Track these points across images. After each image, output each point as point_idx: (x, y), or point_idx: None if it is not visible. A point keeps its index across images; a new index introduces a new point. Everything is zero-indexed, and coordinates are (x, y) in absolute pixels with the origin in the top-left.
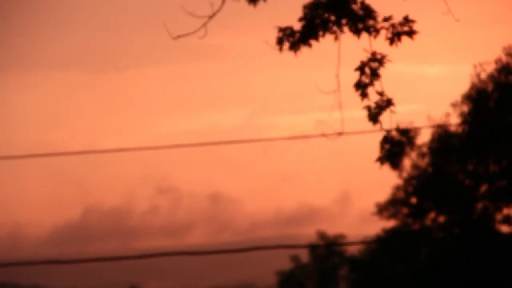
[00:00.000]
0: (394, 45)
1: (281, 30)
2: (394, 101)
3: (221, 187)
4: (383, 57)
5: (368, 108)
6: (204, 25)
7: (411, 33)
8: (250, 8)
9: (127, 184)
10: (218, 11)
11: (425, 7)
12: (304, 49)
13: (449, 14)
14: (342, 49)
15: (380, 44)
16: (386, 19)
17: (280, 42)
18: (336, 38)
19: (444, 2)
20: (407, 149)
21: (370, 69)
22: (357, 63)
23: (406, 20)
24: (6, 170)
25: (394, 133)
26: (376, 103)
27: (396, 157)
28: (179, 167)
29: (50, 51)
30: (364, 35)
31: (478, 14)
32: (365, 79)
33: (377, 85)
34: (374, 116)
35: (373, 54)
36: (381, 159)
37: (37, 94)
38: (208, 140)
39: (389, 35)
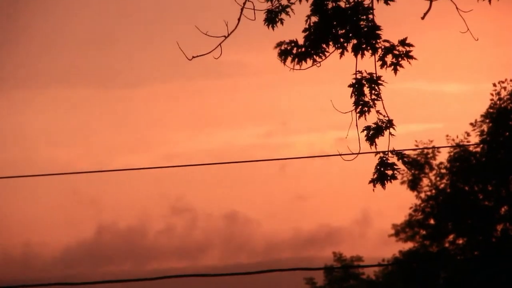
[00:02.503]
0: (384, 69)
1: (285, 43)
2: (394, 122)
3: (237, 207)
4: (377, 77)
5: (367, 128)
6: (219, 45)
7: (405, 58)
8: (265, 25)
9: (141, 204)
10: (233, 30)
11: (443, 26)
12: (308, 64)
13: (467, 32)
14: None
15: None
16: (385, 41)
17: (282, 55)
18: (341, 54)
19: (463, 20)
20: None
21: (369, 88)
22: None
23: (403, 44)
24: (17, 189)
25: (390, 156)
26: (375, 123)
27: (387, 179)
28: (194, 186)
29: (62, 68)
30: (368, 54)
31: (497, 32)
32: (365, 98)
33: (379, 106)
34: (371, 137)
35: (370, 74)
36: (374, 181)
37: (49, 111)
38: (224, 159)
39: (386, 57)
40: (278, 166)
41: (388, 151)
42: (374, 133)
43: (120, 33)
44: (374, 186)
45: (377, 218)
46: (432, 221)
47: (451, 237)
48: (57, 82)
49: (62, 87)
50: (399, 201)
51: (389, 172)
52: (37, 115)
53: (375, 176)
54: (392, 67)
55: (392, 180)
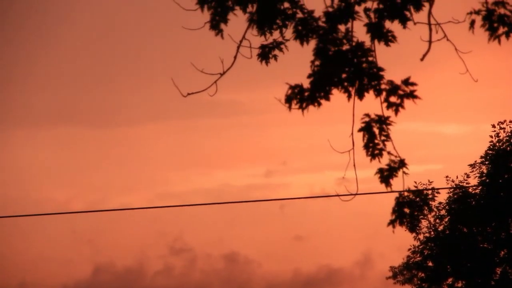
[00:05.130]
0: (391, 110)
1: (291, 87)
2: (406, 161)
3: (236, 248)
4: (386, 118)
5: (380, 170)
6: (215, 82)
7: (410, 97)
8: (261, 64)
9: (138, 244)
10: (229, 68)
11: (443, 67)
12: (313, 108)
13: (467, 73)
14: (357, 107)
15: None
16: (389, 81)
17: (289, 100)
18: (349, 97)
19: (462, 61)
20: (422, 210)
21: (378, 129)
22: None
23: (406, 83)
24: (14, 228)
25: (406, 195)
26: (388, 165)
27: (408, 219)
28: (192, 227)
29: (59, 106)
30: (370, 95)
31: (496, 73)
32: (375, 140)
33: (389, 146)
34: (385, 178)
35: (378, 116)
36: (393, 222)
37: (45, 149)
38: (222, 199)
39: (390, 98)
40: (277, 206)
41: (386, 191)
42: (388, 174)
43: (116, 71)
44: (394, 227)
45: (376, 260)
46: (430, 263)
47: (450, 280)
48: (53, 121)
49: (58, 126)
50: (397, 242)
51: (407, 210)
52: (33, 153)
53: (393, 216)
54: (394, 107)
55: (409, 219)
